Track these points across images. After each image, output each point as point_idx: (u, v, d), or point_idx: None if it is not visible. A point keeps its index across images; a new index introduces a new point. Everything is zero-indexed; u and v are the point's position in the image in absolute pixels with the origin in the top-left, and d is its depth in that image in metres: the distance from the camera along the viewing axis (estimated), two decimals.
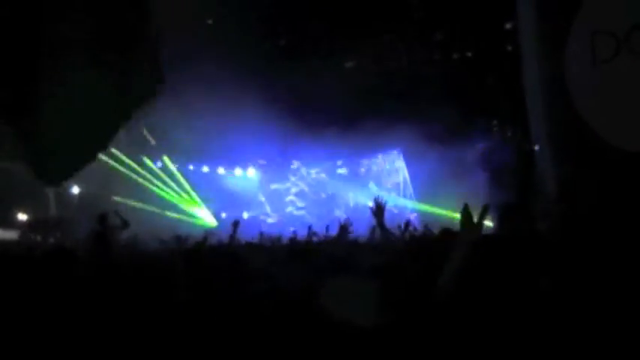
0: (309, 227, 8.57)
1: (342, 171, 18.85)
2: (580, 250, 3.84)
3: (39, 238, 16.09)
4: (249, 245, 6.87)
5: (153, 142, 17.14)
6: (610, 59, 7.81)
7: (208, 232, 6.92)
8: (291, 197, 19.35)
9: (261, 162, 19.24)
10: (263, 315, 3.22)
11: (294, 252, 4.92)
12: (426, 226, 9.00)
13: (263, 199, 19.44)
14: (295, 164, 19.21)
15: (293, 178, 19.44)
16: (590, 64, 8.11)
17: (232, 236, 5.90)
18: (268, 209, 19.38)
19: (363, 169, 18.56)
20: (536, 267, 3.61)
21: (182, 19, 13.88)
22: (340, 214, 18.08)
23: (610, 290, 3.21)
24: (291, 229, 14.31)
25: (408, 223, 7.08)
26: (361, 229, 7.44)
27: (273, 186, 19.47)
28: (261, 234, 10.19)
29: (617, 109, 7.89)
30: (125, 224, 7.70)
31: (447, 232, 5.09)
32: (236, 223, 5.89)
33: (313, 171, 19.22)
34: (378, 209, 4.60)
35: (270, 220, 18.82)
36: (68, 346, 3.27)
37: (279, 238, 9.59)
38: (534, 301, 3.15)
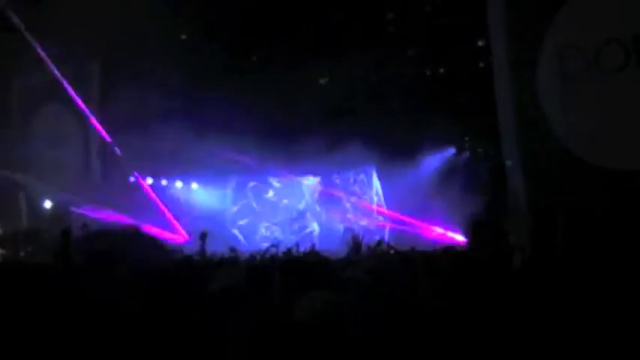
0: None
1: (315, 187, 18.77)
2: (552, 265, 3.83)
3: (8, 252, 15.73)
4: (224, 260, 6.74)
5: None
6: (580, 74, 7.90)
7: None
8: (262, 212, 19.20)
9: (233, 178, 19.10)
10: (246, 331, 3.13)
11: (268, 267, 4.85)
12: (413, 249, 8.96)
13: (235, 214, 19.28)
14: (268, 181, 19.10)
15: (266, 194, 19.31)
16: (561, 80, 8.19)
17: (202, 250, 5.77)
18: (240, 225, 19.21)
19: (336, 186, 18.49)
20: (507, 282, 3.58)
21: (153, 33, 13.80)
22: (312, 230, 18.04)
23: (581, 302, 3.20)
24: (264, 244, 14.16)
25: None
26: (333, 246, 7.44)
27: (245, 202, 19.33)
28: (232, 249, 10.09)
29: (588, 125, 7.96)
30: None
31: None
32: (204, 235, 5.79)
33: (284, 187, 19.14)
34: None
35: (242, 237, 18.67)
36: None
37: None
38: (507, 314, 3.13)
